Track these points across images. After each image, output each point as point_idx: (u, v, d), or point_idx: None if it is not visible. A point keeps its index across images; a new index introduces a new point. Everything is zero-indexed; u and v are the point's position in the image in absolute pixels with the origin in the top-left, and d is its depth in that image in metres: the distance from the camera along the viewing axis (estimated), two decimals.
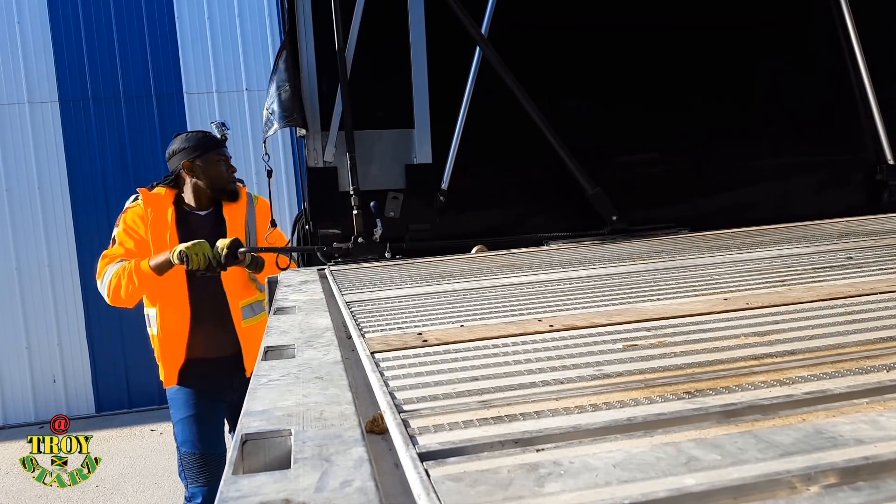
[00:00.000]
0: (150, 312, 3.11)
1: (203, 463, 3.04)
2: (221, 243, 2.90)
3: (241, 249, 3.01)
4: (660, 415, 0.97)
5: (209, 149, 3.15)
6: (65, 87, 7.03)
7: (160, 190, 3.16)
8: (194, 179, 3.15)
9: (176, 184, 3.19)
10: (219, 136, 3.17)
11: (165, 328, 3.08)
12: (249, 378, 3.06)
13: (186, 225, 3.11)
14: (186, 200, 3.19)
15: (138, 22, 7.11)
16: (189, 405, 3.08)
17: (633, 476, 0.78)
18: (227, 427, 3.30)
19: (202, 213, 3.20)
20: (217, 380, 3.12)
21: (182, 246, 2.87)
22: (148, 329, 3.18)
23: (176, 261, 2.86)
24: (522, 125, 3.51)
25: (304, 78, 3.37)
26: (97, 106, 7.07)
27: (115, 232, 3.09)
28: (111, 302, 2.99)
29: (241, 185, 3.33)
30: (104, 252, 3.08)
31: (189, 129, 3.33)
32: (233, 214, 3.22)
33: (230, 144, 3.35)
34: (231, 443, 3.44)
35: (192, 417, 3.06)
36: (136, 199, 3.13)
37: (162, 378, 3.14)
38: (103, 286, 3.01)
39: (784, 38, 3.98)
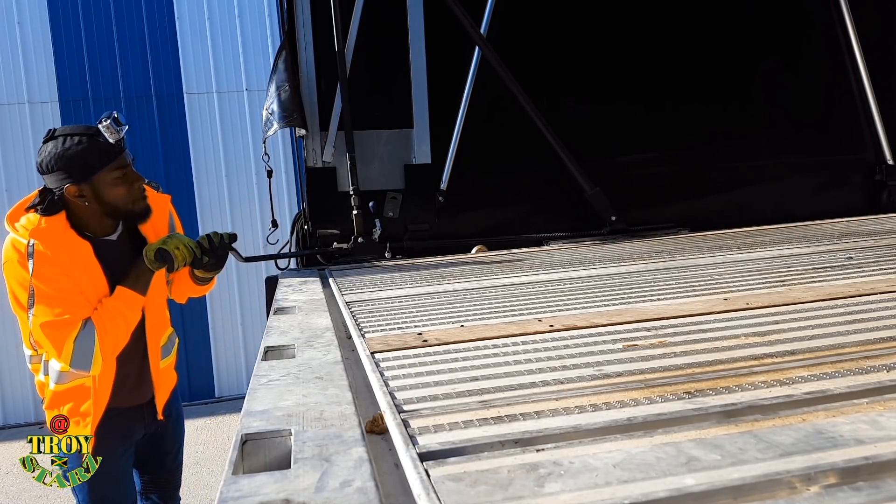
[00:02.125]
0: (52, 364, 2.29)
1: None
2: (216, 234, 2.38)
3: (256, 257, 2.68)
4: (660, 415, 0.97)
5: (102, 164, 2.19)
6: (65, 87, 7.03)
7: (41, 222, 2.19)
8: (84, 205, 2.24)
9: (61, 205, 2.23)
10: (112, 138, 2.19)
11: (74, 380, 2.30)
12: (161, 420, 2.52)
13: (102, 257, 2.26)
14: (83, 225, 2.28)
15: (138, 22, 7.11)
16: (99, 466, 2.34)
17: (633, 476, 0.78)
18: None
19: (113, 237, 2.35)
20: (126, 431, 2.47)
21: (155, 244, 2.25)
22: (39, 378, 2.38)
23: (155, 266, 2.26)
24: (521, 125, 3.51)
25: (304, 78, 3.37)
26: (97, 106, 7.06)
27: (34, 303, 2.14)
28: (103, 363, 2.23)
29: (154, 187, 2.51)
30: (38, 320, 2.15)
31: (84, 127, 2.23)
32: (155, 230, 2.44)
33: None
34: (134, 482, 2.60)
35: (95, 479, 2.32)
36: (29, 251, 2.14)
37: (48, 423, 2.32)
38: (89, 353, 2.17)
39: (784, 38, 3.98)
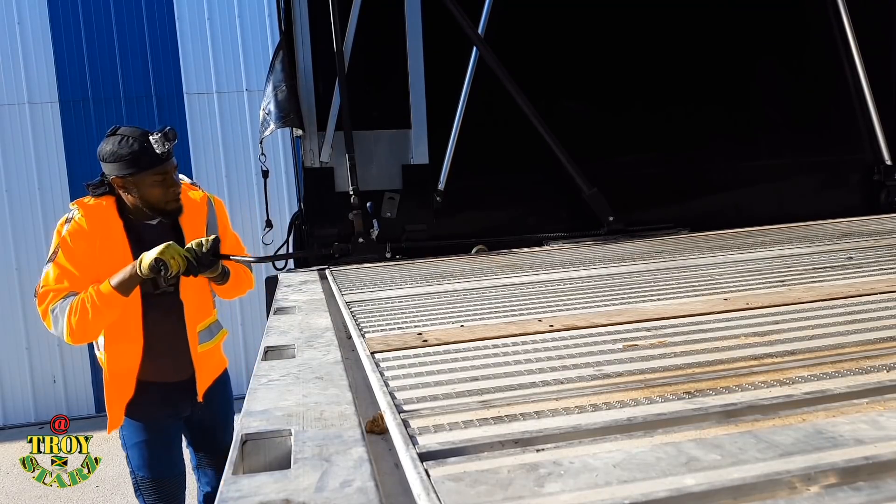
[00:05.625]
0: (99, 339, 2.73)
1: (160, 486, 2.79)
2: (201, 241, 2.56)
3: (235, 257, 2.75)
4: (660, 415, 0.97)
5: (143, 168, 2.57)
6: (65, 87, 7.03)
7: (90, 199, 2.67)
8: (126, 195, 2.65)
9: (111, 190, 2.68)
10: (159, 149, 2.57)
11: (113, 358, 2.70)
12: (201, 402, 2.81)
13: (138, 237, 2.65)
14: (126, 209, 2.69)
15: (138, 22, 7.10)
16: (142, 430, 2.77)
17: (633, 476, 0.78)
18: (184, 443, 3.02)
19: (153, 222, 2.72)
20: (170, 403, 2.81)
21: (152, 253, 2.46)
22: (95, 352, 2.82)
23: (146, 272, 2.47)
24: (519, 126, 3.51)
25: (301, 78, 3.37)
26: (97, 106, 7.07)
27: (54, 259, 2.58)
28: (73, 341, 2.58)
29: (196, 187, 2.93)
30: (42, 285, 2.57)
31: (142, 132, 2.61)
32: (190, 221, 2.78)
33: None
34: (189, 460, 3.00)
35: (145, 442, 2.76)
36: (71, 217, 2.63)
37: (107, 405, 2.77)
38: (59, 325, 2.53)
39: (782, 39, 3.98)
